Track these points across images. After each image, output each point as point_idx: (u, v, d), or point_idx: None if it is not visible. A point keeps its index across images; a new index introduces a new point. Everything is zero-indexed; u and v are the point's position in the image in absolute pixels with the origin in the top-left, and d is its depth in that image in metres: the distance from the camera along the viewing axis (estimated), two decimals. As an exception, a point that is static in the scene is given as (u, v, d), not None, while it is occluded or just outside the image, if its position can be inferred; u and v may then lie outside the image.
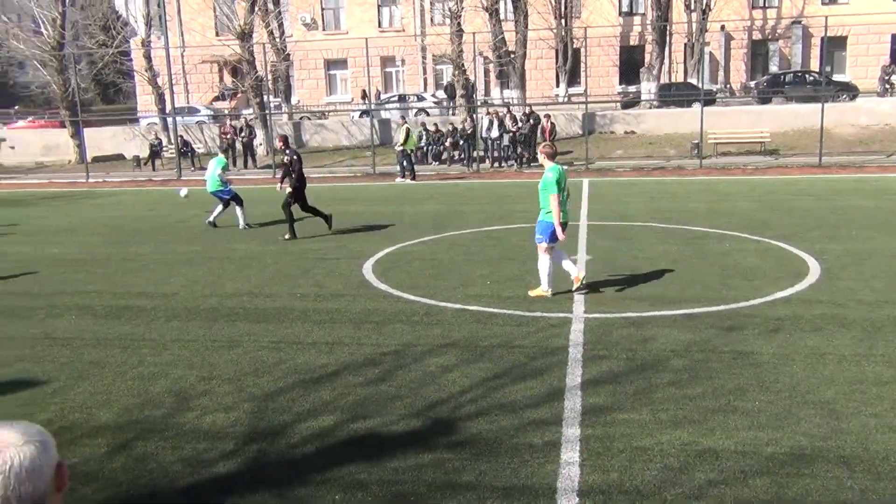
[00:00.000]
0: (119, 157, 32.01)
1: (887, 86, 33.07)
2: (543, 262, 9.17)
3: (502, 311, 8.62)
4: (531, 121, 26.40)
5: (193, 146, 29.96)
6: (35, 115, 44.64)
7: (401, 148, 23.75)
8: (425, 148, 28.07)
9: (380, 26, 44.44)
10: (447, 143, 27.56)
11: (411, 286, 9.90)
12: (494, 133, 26.31)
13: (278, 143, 14.80)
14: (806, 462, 5.00)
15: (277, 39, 34.13)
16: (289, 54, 35.41)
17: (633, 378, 6.51)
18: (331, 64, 45.41)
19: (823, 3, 40.31)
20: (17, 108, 48.65)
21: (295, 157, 13.83)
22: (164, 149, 30.41)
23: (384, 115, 33.87)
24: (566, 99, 40.11)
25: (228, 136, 28.53)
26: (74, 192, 23.29)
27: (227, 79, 43.50)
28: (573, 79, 41.40)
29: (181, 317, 8.92)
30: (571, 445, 5.33)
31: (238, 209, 15.15)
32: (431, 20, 43.38)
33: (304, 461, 5.31)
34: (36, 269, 11.81)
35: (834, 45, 39.36)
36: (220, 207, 15.22)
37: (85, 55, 36.76)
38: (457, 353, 7.31)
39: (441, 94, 39.29)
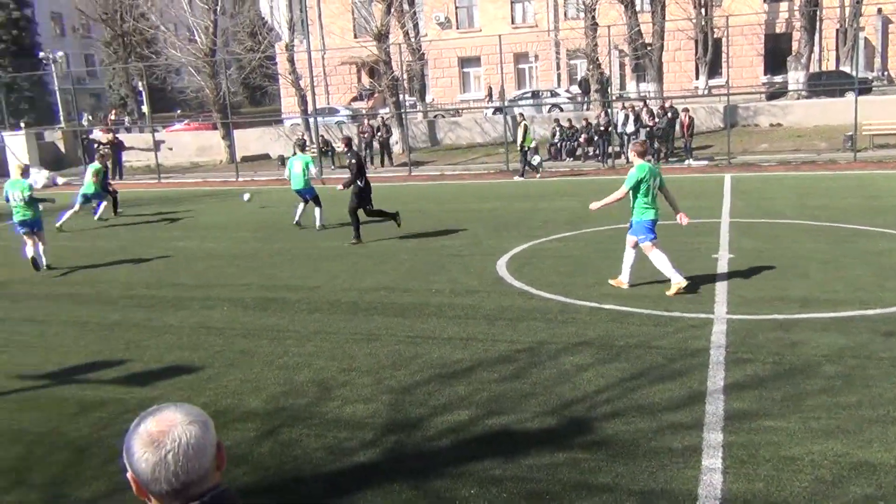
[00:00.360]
0: (265, 157, 33.59)
1: None
2: (658, 259, 9.06)
3: (639, 311, 8.42)
4: (668, 115, 25.62)
5: (333, 145, 31.03)
6: (190, 118, 47.58)
7: (521, 146, 23.78)
8: (559, 144, 27.81)
9: (513, 23, 44.38)
10: (581, 139, 27.18)
11: (546, 283, 9.85)
12: (630, 128, 25.71)
13: (342, 146, 14.71)
14: (978, 481, 4.61)
15: (413, 39, 34.77)
16: (423, 53, 35.97)
17: (780, 383, 6.21)
18: (464, 62, 45.79)
19: None
20: (179, 112, 51.87)
21: (353, 160, 13.71)
22: (307, 149, 31.66)
23: (517, 111, 33.83)
24: (706, 91, 38.61)
25: (366, 135, 29.36)
26: (226, 191, 24.64)
27: (365, 79, 44.75)
28: (714, 70, 39.79)
29: (323, 310, 9.27)
30: (713, 451, 5.15)
31: (317, 210, 15.34)
32: (565, 14, 42.87)
33: (440, 454, 5.40)
34: (194, 263, 12.61)
35: None
36: (301, 206, 15.63)
37: (234, 60, 38.81)
38: (592, 352, 7.22)
39: (575, 89, 38.79)
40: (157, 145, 31.75)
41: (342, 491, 5.02)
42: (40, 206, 12.61)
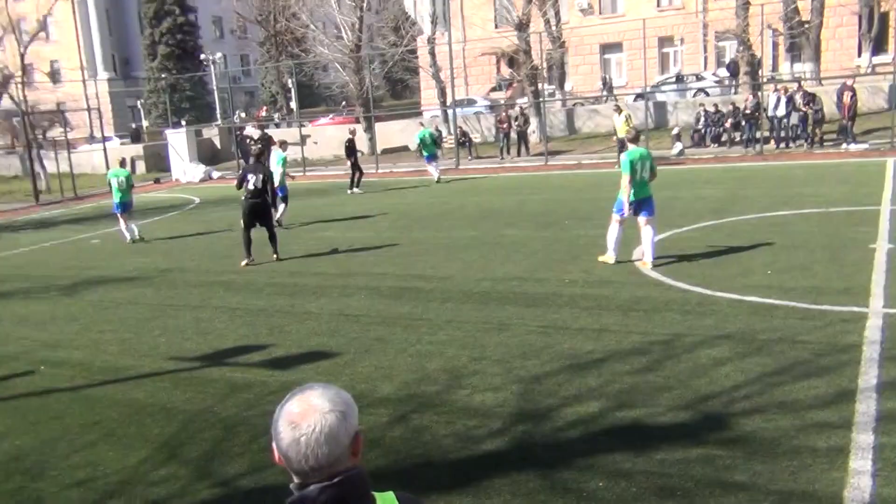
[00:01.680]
0: (404, 149, 34.34)
1: None
2: (612, 231, 10.38)
3: (784, 303, 7.97)
4: (813, 104, 23.92)
5: (471, 136, 31.26)
6: (334, 113, 49.29)
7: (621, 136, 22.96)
8: (703, 130, 26.73)
9: (658, 6, 43.00)
10: (727, 124, 25.99)
11: (684, 274, 9.51)
12: (782, 111, 24.31)
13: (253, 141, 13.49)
14: None
15: (553, 27, 34.41)
16: (564, 41, 35.49)
17: (943, 384, 5.71)
18: (605, 48, 44.88)
19: None
20: (343, 104, 53.05)
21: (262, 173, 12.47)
22: (444, 140, 32.07)
23: (659, 97, 32.78)
24: (870, 69, 35.87)
25: (504, 126, 29.38)
26: (366, 182, 25.37)
27: (504, 69, 44.77)
28: (879, 46, 36.89)
29: (455, 299, 9.38)
30: (863, 453, 4.81)
31: (282, 206, 16.23)
32: (714, -6, 41.06)
33: (569, 445, 5.34)
34: (336, 251, 13.09)
35: None
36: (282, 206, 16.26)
37: (377, 55, 39.82)
38: (731, 345, 6.91)
39: (722, 72, 37.12)
40: (303, 139, 33.11)
41: (470, 478, 5.06)
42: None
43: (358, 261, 12.25)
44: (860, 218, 12.14)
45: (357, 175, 22.56)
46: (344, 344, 7.98)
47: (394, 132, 35.47)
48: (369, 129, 33.24)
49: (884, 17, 35.62)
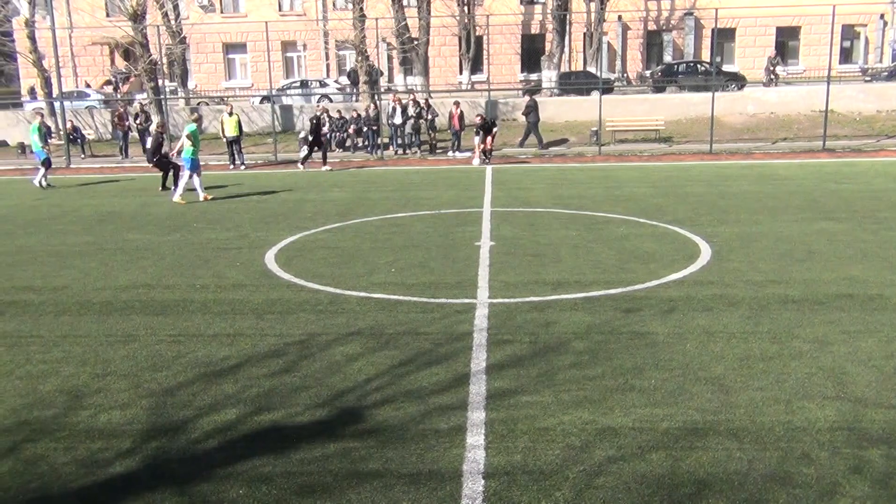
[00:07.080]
0: (2, 144, 30.31)
1: (772, 76, 34.71)
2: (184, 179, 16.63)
3: (407, 299, 8.63)
4: (429, 114, 26.36)
5: (84, 132, 28.66)
6: None
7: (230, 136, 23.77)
8: (328, 135, 27.74)
9: (280, 10, 43.53)
10: (351, 130, 27.30)
11: (315, 275, 9.79)
12: (398, 119, 26.24)
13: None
14: (699, 436, 5.23)
15: (172, 21, 32.94)
16: (185, 37, 34.17)
17: (535, 361, 6.65)
18: (229, 48, 44.23)
19: (713, -4, 41.91)
20: None
21: None
22: (52, 135, 28.92)
23: (286, 101, 33.26)
24: (469, 86, 40.34)
25: (126, 124, 27.39)
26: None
27: (120, 62, 41.76)
28: (476, 66, 41.69)
29: (72, 311, 8.54)
30: (476, 429, 5.40)
31: None
32: (334, 4, 42.81)
33: (206, 456, 5.19)
34: None
35: (723, 37, 41.00)
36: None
37: (-38, 35, 34.49)
38: (362, 341, 7.29)
39: (344, 79, 38.86)
40: None
41: (96, 505, 4.66)
42: None
43: (-55, 273, 10.51)
44: (466, 218, 13.61)
45: None
46: (-70, 372, 6.79)
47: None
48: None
49: (479, 41, 40.28)
